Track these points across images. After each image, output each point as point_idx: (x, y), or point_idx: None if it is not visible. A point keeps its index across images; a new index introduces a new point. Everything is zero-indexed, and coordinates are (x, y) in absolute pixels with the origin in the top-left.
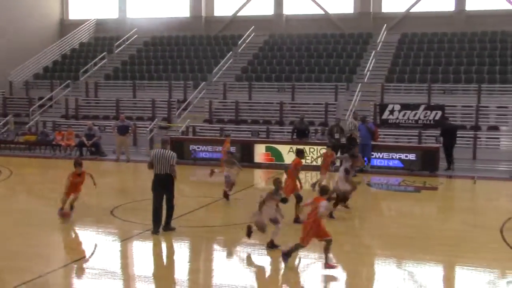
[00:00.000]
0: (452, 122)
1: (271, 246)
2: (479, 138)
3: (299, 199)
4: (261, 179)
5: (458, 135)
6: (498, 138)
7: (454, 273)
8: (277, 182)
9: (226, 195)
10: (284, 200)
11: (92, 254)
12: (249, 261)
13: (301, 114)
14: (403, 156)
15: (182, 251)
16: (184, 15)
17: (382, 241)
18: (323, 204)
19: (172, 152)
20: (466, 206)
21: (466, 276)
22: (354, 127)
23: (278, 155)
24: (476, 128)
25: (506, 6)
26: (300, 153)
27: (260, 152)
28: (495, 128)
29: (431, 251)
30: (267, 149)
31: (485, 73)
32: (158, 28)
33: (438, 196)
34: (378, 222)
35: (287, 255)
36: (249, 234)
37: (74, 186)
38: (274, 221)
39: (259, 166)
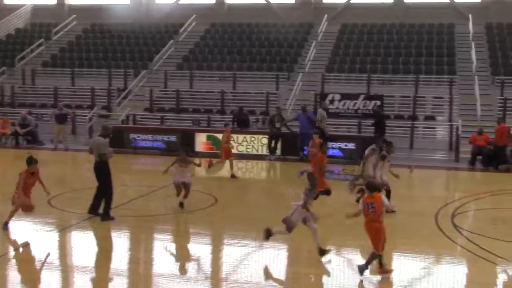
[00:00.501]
0: (382, 112)
1: (322, 253)
2: (416, 127)
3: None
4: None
5: (395, 125)
6: (434, 127)
7: (390, 260)
8: (313, 178)
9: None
10: (328, 192)
11: (28, 244)
12: (189, 250)
13: (240, 105)
14: (342, 145)
15: (121, 240)
16: (125, 2)
17: (323, 229)
18: (384, 199)
19: (103, 139)
20: (403, 194)
21: (402, 263)
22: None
23: (219, 144)
24: (414, 118)
25: None
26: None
27: (201, 141)
28: (431, 118)
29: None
30: (208, 138)
31: (422, 64)
32: (98, 15)
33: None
34: (319, 211)
35: (365, 268)
36: (268, 237)
37: (27, 187)
38: (305, 220)
39: (200, 155)
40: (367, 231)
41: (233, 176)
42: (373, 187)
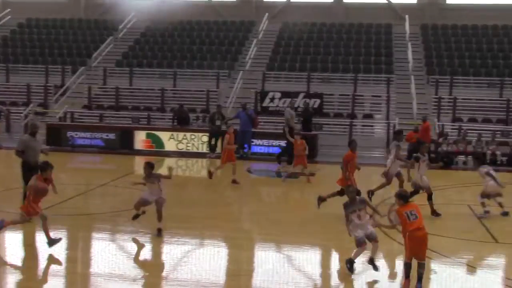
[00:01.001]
0: (310, 110)
1: (373, 265)
2: (355, 125)
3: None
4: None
5: (335, 123)
6: (372, 125)
7: (330, 255)
8: (351, 190)
9: None
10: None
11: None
12: (128, 249)
13: (180, 102)
14: (282, 143)
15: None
16: None
17: (260, 226)
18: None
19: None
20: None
21: (336, 257)
22: (290, 116)
23: (159, 142)
24: (352, 116)
25: (382, 0)
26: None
27: (140, 139)
28: (369, 116)
29: (309, 234)
30: (148, 135)
31: (361, 63)
32: (34, 10)
33: (316, 182)
34: (258, 208)
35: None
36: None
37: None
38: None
39: (139, 153)
40: (411, 240)
41: (234, 181)
42: (406, 196)
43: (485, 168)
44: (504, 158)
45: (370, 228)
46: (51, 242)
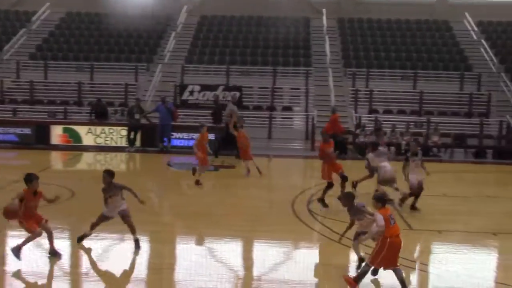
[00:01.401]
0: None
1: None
2: (274, 118)
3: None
4: (59, 162)
5: (254, 115)
6: (291, 118)
7: (252, 246)
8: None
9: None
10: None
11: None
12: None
13: (98, 96)
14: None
15: None
16: None
17: (182, 219)
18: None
19: None
20: (262, 183)
21: (263, 249)
22: (231, 111)
23: (77, 137)
24: (272, 108)
25: None
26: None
27: (57, 134)
28: (288, 108)
29: (230, 227)
30: (65, 130)
31: (280, 56)
32: None
33: (236, 174)
34: (179, 201)
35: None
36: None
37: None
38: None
39: (56, 148)
40: (390, 247)
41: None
42: (383, 200)
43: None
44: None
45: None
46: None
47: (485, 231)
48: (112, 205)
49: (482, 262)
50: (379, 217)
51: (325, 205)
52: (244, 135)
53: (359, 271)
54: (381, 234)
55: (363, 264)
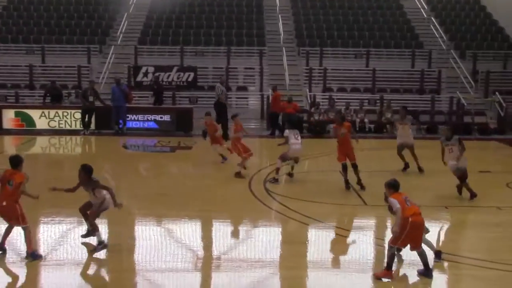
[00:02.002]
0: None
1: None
2: (230, 98)
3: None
4: (11, 146)
5: (209, 96)
6: (247, 98)
7: (210, 226)
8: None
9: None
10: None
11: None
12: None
13: (51, 79)
14: (158, 117)
15: None
16: None
17: (139, 200)
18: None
19: None
20: (219, 163)
21: (217, 227)
22: (221, 92)
23: (29, 120)
24: (227, 88)
25: None
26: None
27: (8, 117)
28: (244, 88)
29: (186, 207)
30: (17, 114)
31: (233, 36)
32: None
33: (192, 155)
34: (135, 183)
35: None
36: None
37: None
38: None
39: (9, 132)
40: (410, 227)
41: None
42: (394, 185)
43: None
44: (372, 126)
45: None
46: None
47: (438, 205)
48: (91, 199)
49: (433, 234)
50: (393, 201)
51: (362, 187)
52: (211, 123)
53: (386, 259)
54: (400, 217)
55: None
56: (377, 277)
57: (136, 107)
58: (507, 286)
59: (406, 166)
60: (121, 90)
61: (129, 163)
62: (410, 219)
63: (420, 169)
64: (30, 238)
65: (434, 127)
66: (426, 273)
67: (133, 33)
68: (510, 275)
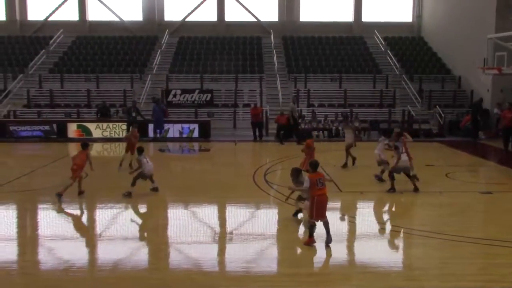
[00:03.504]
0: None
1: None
2: (238, 113)
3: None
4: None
5: (223, 112)
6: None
7: (224, 209)
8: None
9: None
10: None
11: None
12: (72, 216)
13: (103, 100)
14: (186, 126)
15: (8, 213)
16: (0, 18)
17: (171, 189)
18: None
19: None
20: (230, 161)
21: (232, 210)
22: (292, 109)
23: (87, 131)
24: (235, 106)
25: (253, 19)
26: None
27: (72, 130)
28: (248, 105)
29: (206, 194)
30: (78, 126)
31: (240, 66)
32: None
33: (211, 156)
34: (167, 177)
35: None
36: None
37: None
38: None
39: (72, 140)
40: (318, 203)
41: None
42: (315, 165)
43: None
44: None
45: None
46: None
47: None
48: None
49: (392, 210)
50: (306, 179)
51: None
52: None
53: (307, 230)
54: (308, 193)
55: (306, 220)
56: (305, 244)
57: (170, 120)
58: (445, 250)
59: (354, 160)
60: (160, 107)
61: (164, 162)
62: (316, 197)
63: (353, 163)
64: (66, 188)
65: (391, 131)
66: (327, 238)
67: (165, 64)
68: (448, 242)
